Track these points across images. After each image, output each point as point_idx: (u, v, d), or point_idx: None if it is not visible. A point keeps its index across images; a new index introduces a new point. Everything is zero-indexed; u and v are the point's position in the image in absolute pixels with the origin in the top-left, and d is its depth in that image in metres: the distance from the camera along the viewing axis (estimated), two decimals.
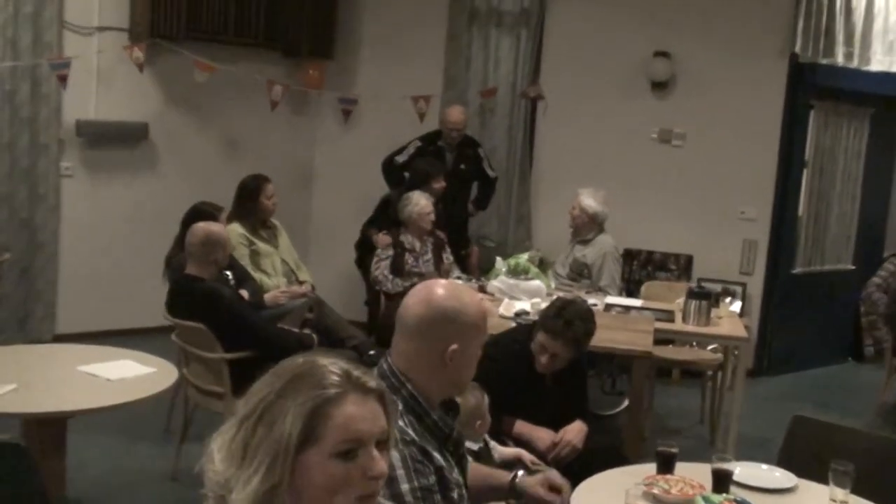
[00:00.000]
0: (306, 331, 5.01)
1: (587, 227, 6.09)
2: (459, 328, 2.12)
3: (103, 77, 6.83)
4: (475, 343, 2.17)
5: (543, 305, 5.12)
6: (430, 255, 6.26)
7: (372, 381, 1.50)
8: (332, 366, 1.50)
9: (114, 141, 6.96)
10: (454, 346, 2.11)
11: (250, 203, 5.73)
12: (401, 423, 2.03)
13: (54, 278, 6.81)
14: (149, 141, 7.11)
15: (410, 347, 2.13)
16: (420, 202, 6.22)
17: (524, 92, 7.43)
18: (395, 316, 2.18)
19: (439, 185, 6.45)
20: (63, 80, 6.32)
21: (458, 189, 6.94)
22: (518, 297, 5.45)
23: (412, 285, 5.78)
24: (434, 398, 2.15)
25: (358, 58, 7.84)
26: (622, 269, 6.98)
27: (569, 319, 3.61)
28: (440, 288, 2.17)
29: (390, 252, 6.19)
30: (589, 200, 6.09)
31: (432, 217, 6.17)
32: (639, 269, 7.23)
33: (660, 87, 7.25)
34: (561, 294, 5.04)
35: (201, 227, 4.58)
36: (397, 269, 6.14)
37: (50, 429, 3.56)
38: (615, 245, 6.14)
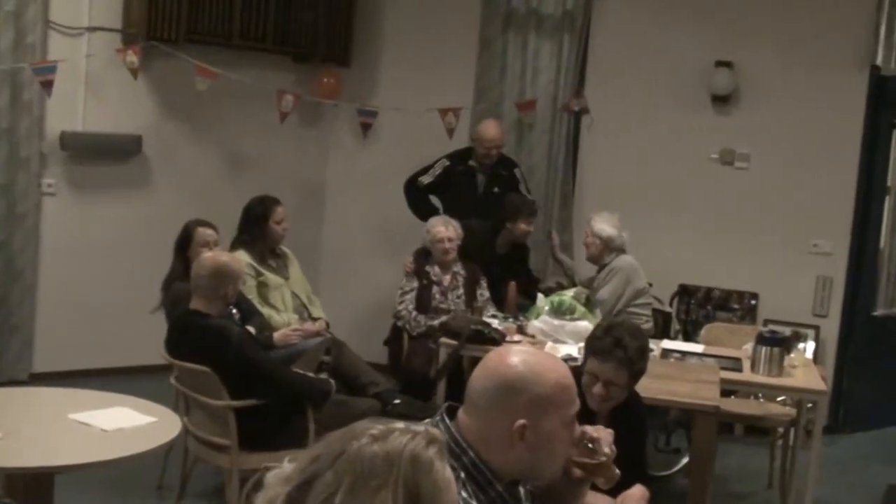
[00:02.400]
0: (323, 375, 5.02)
1: (602, 253, 6.25)
2: (529, 402, 2.11)
3: (92, 84, 6.89)
4: (553, 421, 2.15)
5: None
6: (461, 290, 6.26)
7: None
8: (370, 428, 1.57)
9: (103, 155, 7.00)
10: (521, 422, 2.10)
11: (257, 228, 5.76)
12: (463, 494, 2.02)
13: (32, 309, 6.84)
14: (142, 155, 7.15)
15: (475, 422, 2.13)
16: (435, 228, 6.23)
17: (566, 105, 7.44)
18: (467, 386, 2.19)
19: (526, 226, 6.54)
20: (47, 86, 6.36)
21: (491, 216, 6.93)
22: (563, 339, 5.44)
23: (440, 325, 5.78)
24: (506, 474, 2.14)
25: (378, 65, 7.88)
26: (677, 309, 6.98)
27: (618, 337, 3.62)
28: (512, 355, 2.17)
29: (415, 284, 6.20)
30: (601, 225, 6.24)
31: (445, 245, 6.19)
32: (696, 308, 7.19)
33: (721, 101, 7.26)
34: None
35: (210, 257, 4.62)
36: (422, 304, 6.15)
37: (36, 485, 3.56)
38: (633, 264, 6.23)
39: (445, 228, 6.24)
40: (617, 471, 2.57)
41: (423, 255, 6.34)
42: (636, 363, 3.66)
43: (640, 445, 3.93)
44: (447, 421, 2.17)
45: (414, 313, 6.12)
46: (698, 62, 7.24)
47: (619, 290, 6.14)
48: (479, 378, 2.16)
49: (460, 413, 2.18)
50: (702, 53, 7.23)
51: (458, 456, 2.09)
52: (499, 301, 6.33)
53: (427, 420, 2.22)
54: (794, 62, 7.11)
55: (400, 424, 1.58)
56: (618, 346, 3.61)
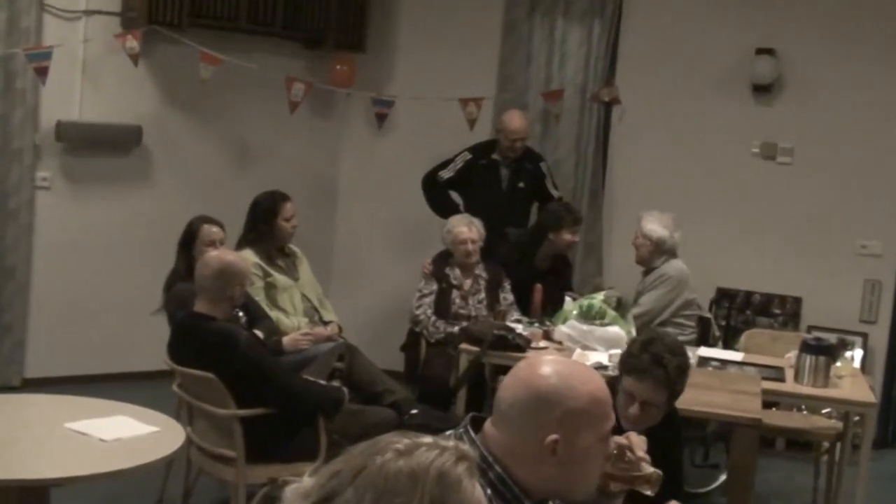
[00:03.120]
0: (335, 383, 5.02)
1: (653, 256, 6.20)
2: (562, 416, 2.11)
3: (90, 71, 6.91)
4: (587, 436, 2.14)
5: None
6: (482, 294, 6.27)
7: None
8: (394, 442, 1.57)
9: (101, 147, 7.02)
10: (554, 437, 2.10)
11: (265, 226, 5.77)
12: None
13: (25, 310, 6.86)
14: (143, 147, 7.17)
15: (504, 436, 2.13)
16: (456, 228, 6.23)
17: (596, 95, 7.43)
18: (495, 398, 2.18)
19: (571, 236, 6.46)
20: (42, 73, 6.38)
21: (516, 213, 6.94)
22: (592, 346, 5.43)
23: (461, 331, 5.78)
24: (535, 492, 2.14)
25: (395, 51, 7.89)
26: (715, 314, 6.95)
27: (657, 354, 3.59)
28: (545, 365, 2.17)
29: (434, 287, 6.20)
30: (652, 225, 6.19)
31: (468, 248, 6.19)
32: (736, 313, 7.17)
33: (763, 91, 7.23)
34: None
35: (215, 256, 4.62)
36: (441, 309, 6.15)
37: (31, 498, 3.57)
38: (684, 271, 6.19)
39: (468, 229, 6.22)
40: (658, 472, 2.56)
41: (443, 257, 6.34)
42: (676, 383, 3.64)
43: (676, 462, 3.91)
44: (472, 433, 2.16)
45: (433, 318, 6.12)
46: (738, 49, 7.22)
47: (666, 300, 6.12)
48: (509, 389, 2.16)
49: (487, 425, 2.18)
50: (742, 40, 7.20)
51: (484, 471, 2.08)
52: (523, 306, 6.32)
53: (449, 431, 2.21)
54: (841, 49, 7.08)
55: (427, 439, 1.57)
56: (657, 364, 3.58)
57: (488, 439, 2.15)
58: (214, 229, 5.36)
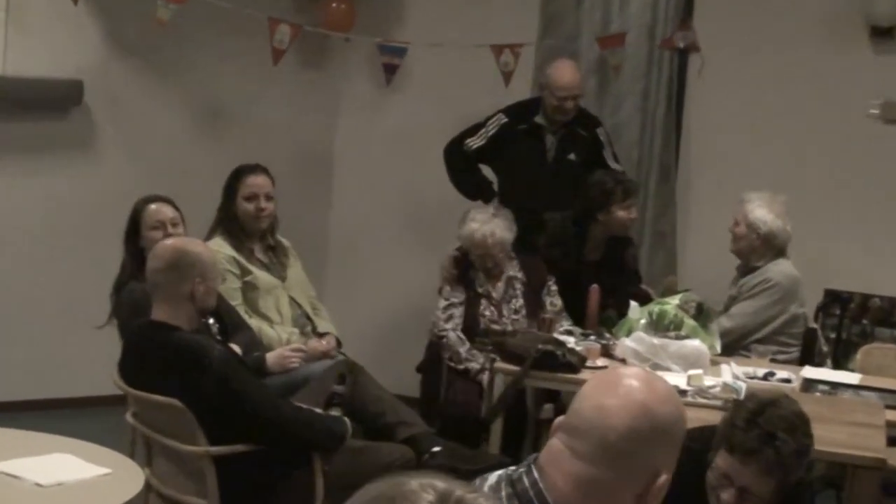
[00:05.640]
0: (335, 412, 4.99)
1: (757, 251, 6.17)
2: (672, 450, 2.19)
3: (16, 12, 6.92)
4: (668, 477, 2.23)
5: (709, 381, 5.16)
6: (520, 301, 6.27)
7: None
8: (426, 490, 1.52)
9: (30, 108, 7.05)
10: (664, 478, 2.15)
11: (226, 207, 5.85)
12: None
13: None
14: (83, 107, 7.18)
15: (604, 475, 2.15)
16: (470, 224, 6.20)
17: (668, 40, 7.41)
18: (569, 412, 2.22)
19: (626, 213, 6.45)
20: None
21: (564, 192, 6.91)
22: (665, 364, 5.40)
23: (494, 344, 5.76)
24: None
25: None
26: (823, 323, 6.92)
27: (769, 431, 3.52)
28: (657, 382, 2.24)
29: (462, 295, 6.17)
30: (761, 211, 6.15)
31: (490, 250, 6.17)
32: (849, 323, 7.14)
33: (883, 35, 7.21)
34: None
35: (166, 244, 4.64)
36: (467, 326, 6.15)
37: None
38: (793, 278, 6.18)
39: (484, 225, 6.18)
40: None
41: (466, 258, 6.32)
42: (791, 470, 3.55)
43: None
44: (535, 474, 2.16)
45: (466, 346, 6.07)
46: None
47: (767, 314, 6.10)
48: (616, 413, 2.18)
49: (554, 454, 2.19)
50: None
51: None
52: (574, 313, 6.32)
53: (498, 473, 2.21)
54: None
55: (468, 488, 1.55)
56: (767, 443, 3.50)
57: (560, 475, 2.17)
58: (163, 209, 5.39)
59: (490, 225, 6.18)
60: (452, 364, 6.09)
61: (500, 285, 6.28)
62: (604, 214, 6.43)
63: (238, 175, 5.86)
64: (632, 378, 2.24)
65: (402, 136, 7.82)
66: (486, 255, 6.19)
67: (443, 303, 6.20)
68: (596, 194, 6.47)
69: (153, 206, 5.38)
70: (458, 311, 6.16)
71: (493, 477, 2.27)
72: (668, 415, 2.18)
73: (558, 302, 6.31)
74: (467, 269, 6.28)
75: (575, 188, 6.99)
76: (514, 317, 6.21)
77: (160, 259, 4.53)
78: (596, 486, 2.14)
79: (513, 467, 2.24)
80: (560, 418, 2.27)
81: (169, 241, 4.71)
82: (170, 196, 5.54)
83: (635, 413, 2.16)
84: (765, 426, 3.52)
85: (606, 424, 2.16)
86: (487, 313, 6.20)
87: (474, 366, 6.00)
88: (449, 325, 6.12)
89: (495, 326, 6.10)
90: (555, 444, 2.21)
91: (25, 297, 7.10)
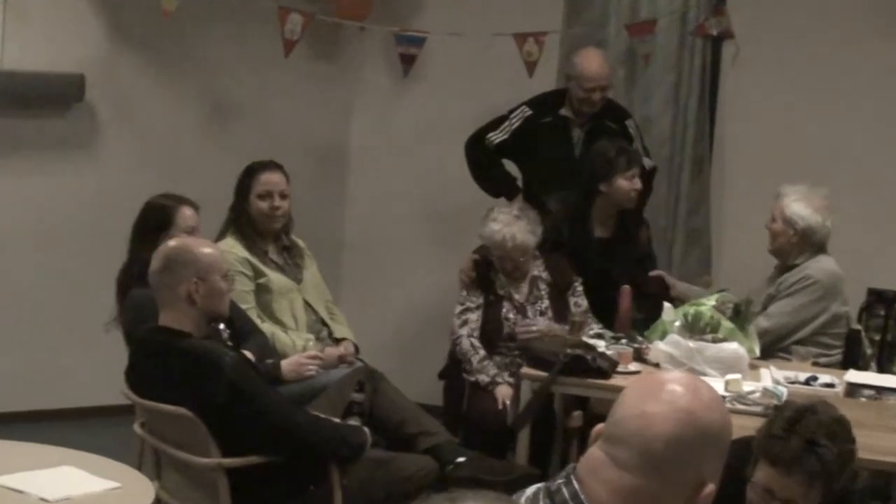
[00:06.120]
0: (353, 421, 5.00)
1: (794, 249, 6.16)
2: (719, 459, 2.20)
3: (14, 4, 6.90)
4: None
5: (748, 387, 5.13)
6: (545, 302, 6.25)
7: None
8: None
9: (30, 104, 7.04)
10: (710, 488, 2.16)
11: (238, 206, 5.87)
12: None
13: None
14: (85, 103, 7.17)
15: (650, 485, 2.15)
16: (496, 222, 6.16)
17: (702, 27, 7.39)
18: (610, 417, 2.22)
19: (629, 182, 6.41)
20: None
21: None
22: (701, 369, 5.37)
23: (521, 349, 5.76)
24: None
25: None
26: (867, 324, 6.88)
27: (809, 438, 3.50)
28: (704, 390, 2.24)
29: (480, 299, 6.15)
30: (798, 206, 6.12)
31: (512, 254, 6.12)
32: (894, 324, 7.09)
33: None
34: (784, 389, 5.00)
35: (166, 245, 4.65)
36: (490, 331, 6.14)
37: None
38: (835, 275, 6.17)
39: (506, 227, 6.12)
40: None
41: (486, 261, 6.30)
42: (835, 478, 3.54)
43: None
44: (575, 485, 2.14)
45: (481, 353, 6.05)
46: None
47: (807, 313, 6.08)
48: (661, 420, 2.17)
49: (594, 462, 2.19)
50: None
51: None
52: (603, 315, 6.29)
53: (536, 486, 2.20)
54: None
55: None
56: (809, 451, 3.49)
57: (607, 490, 2.16)
58: (189, 212, 5.40)
59: (512, 228, 6.13)
60: (465, 374, 6.09)
61: (524, 286, 6.26)
62: (606, 185, 6.42)
63: (251, 172, 5.87)
64: (675, 383, 2.23)
65: (420, 131, 7.81)
66: (505, 257, 6.17)
67: (458, 307, 6.19)
68: (598, 164, 6.47)
69: (186, 211, 5.39)
70: (475, 316, 6.14)
71: (531, 490, 2.28)
72: (714, 422, 2.18)
73: (583, 302, 6.29)
74: (488, 271, 6.26)
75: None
76: (540, 318, 6.18)
77: (156, 259, 4.56)
78: (639, 497, 2.14)
79: (560, 478, 2.24)
80: (600, 425, 2.25)
81: (170, 242, 4.71)
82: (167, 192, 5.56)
83: (680, 420, 2.16)
84: (804, 433, 3.51)
85: (649, 432, 2.16)
86: (511, 316, 6.18)
87: (483, 378, 5.97)
88: (463, 331, 6.10)
89: (520, 329, 6.10)
90: (595, 452, 2.21)
91: (25, 301, 7.11)
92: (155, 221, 5.37)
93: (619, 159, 6.42)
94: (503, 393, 5.90)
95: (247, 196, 5.83)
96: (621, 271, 6.40)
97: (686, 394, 2.20)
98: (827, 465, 3.49)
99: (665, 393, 2.20)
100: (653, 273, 6.67)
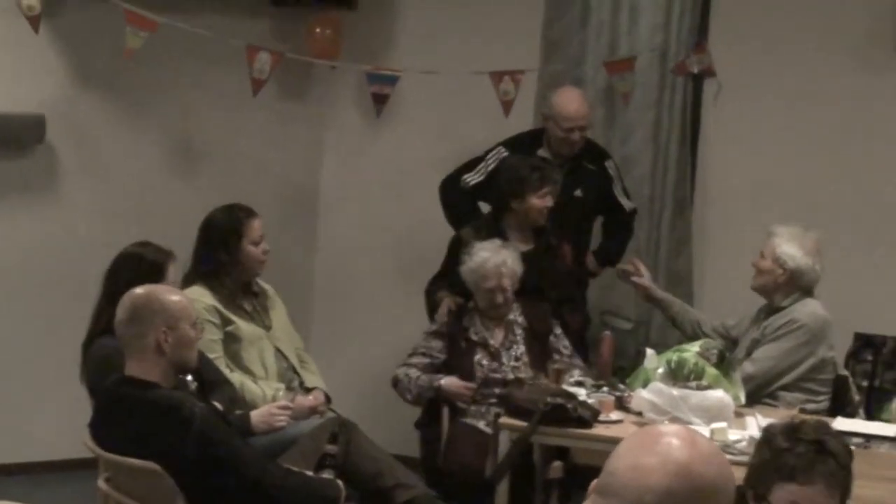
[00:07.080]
0: (326, 474, 4.99)
1: (781, 289, 6.18)
2: None
3: None
4: None
5: (734, 435, 5.10)
6: (521, 348, 6.24)
7: None
8: None
9: None
10: None
11: (226, 254, 5.81)
12: None
13: None
14: (46, 145, 7.17)
15: None
16: (484, 251, 6.17)
17: (681, 65, 7.39)
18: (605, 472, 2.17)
19: (541, 202, 6.43)
20: None
21: (571, 229, 6.90)
22: (686, 418, 5.36)
23: (501, 398, 5.78)
24: None
25: (397, 7, 7.88)
26: (853, 370, 6.88)
27: (818, 440, 3.50)
28: (682, 441, 2.17)
29: (433, 344, 6.24)
30: (790, 246, 6.15)
31: (503, 290, 6.13)
32: (882, 370, 7.08)
33: None
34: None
35: (132, 293, 4.63)
36: (462, 378, 6.13)
37: None
38: (822, 319, 6.17)
39: (494, 254, 6.14)
40: None
41: (461, 307, 6.34)
42: (850, 476, 3.53)
43: None
44: None
45: (413, 373, 6.15)
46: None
47: (793, 358, 6.07)
48: (657, 474, 2.12)
49: None
50: None
51: None
52: None
53: None
54: None
55: None
56: (822, 451, 3.48)
57: None
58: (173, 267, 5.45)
59: (501, 254, 6.16)
60: (406, 396, 6.15)
61: (499, 332, 6.24)
62: (518, 202, 6.44)
63: (241, 219, 5.86)
64: (671, 436, 2.19)
65: (393, 172, 7.82)
66: (497, 287, 6.13)
67: (412, 351, 6.28)
68: (509, 182, 6.48)
69: (171, 267, 5.40)
70: (420, 361, 6.21)
71: None
72: (713, 476, 2.13)
73: (568, 348, 6.31)
74: (459, 314, 6.29)
75: (582, 227, 7.00)
76: (515, 364, 6.17)
77: (123, 308, 4.57)
78: None
79: None
80: (596, 480, 2.23)
81: (137, 290, 4.68)
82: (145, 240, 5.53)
83: (674, 473, 2.11)
84: (808, 436, 3.51)
85: (643, 485, 2.12)
86: (485, 362, 6.16)
87: (428, 393, 6.07)
88: (400, 370, 6.19)
89: (495, 376, 6.09)
90: None
91: None
92: (151, 271, 5.31)
93: (532, 177, 6.45)
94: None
95: (237, 243, 5.79)
96: (551, 284, 6.48)
97: (682, 447, 2.16)
98: (841, 461, 3.50)
99: (660, 445, 2.17)
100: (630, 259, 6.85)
